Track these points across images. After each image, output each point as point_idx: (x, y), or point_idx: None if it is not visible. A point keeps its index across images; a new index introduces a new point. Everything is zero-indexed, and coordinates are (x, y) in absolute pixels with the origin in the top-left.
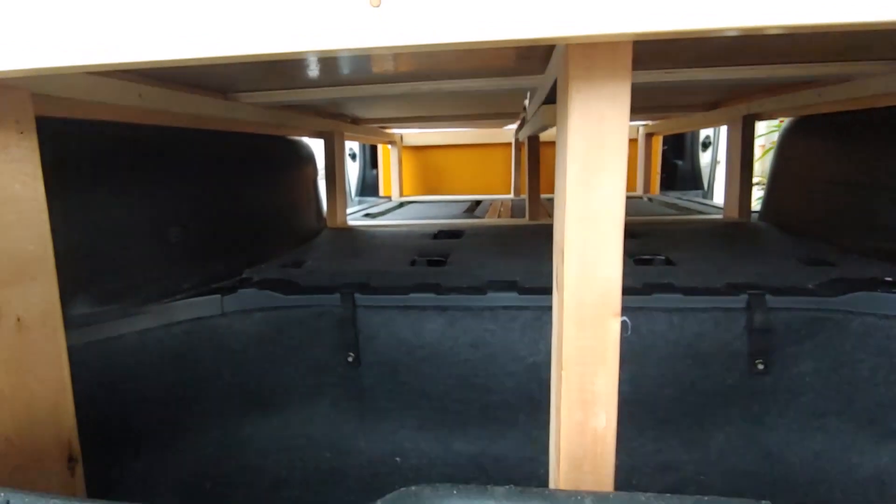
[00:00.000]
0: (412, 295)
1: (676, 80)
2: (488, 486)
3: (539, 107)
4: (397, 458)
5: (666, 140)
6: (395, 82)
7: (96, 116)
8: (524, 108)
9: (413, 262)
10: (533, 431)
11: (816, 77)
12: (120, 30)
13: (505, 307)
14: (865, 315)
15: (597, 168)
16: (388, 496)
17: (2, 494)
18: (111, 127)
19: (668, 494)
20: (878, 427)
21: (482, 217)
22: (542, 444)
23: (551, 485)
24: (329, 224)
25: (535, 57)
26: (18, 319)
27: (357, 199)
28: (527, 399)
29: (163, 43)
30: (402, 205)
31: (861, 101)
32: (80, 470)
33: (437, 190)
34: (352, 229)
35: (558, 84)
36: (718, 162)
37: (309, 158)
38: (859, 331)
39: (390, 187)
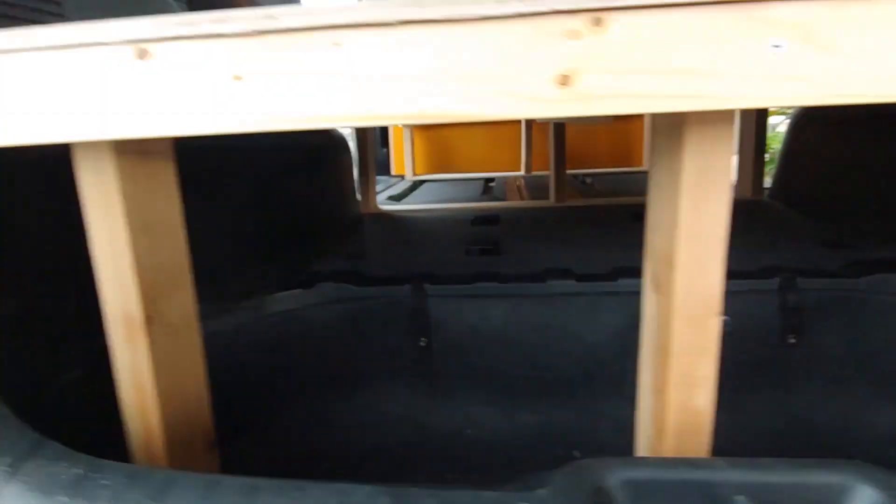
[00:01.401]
0: (477, 284)
1: None
2: (643, 457)
3: None
4: (469, 431)
5: None
6: None
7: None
8: None
9: (467, 252)
10: (589, 403)
11: None
12: None
13: (562, 294)
14: (883, 295)
15: (707, 193)
16: (564, 467)
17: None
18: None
19: (782, 458)
20: (893, 390)
21: (502, 197)
22: (598, 413)
23: (646, 452)
24: (363, 209)
25: None
26: (171, 325)
27: None
28: (583, 375)
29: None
30: (417, 184)
31: None
32: (216, 454)
33: (448, 167)
34: (389, 216)
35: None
36: None
37: (345, 145)
38: (878, 309)
39: (402, 166)
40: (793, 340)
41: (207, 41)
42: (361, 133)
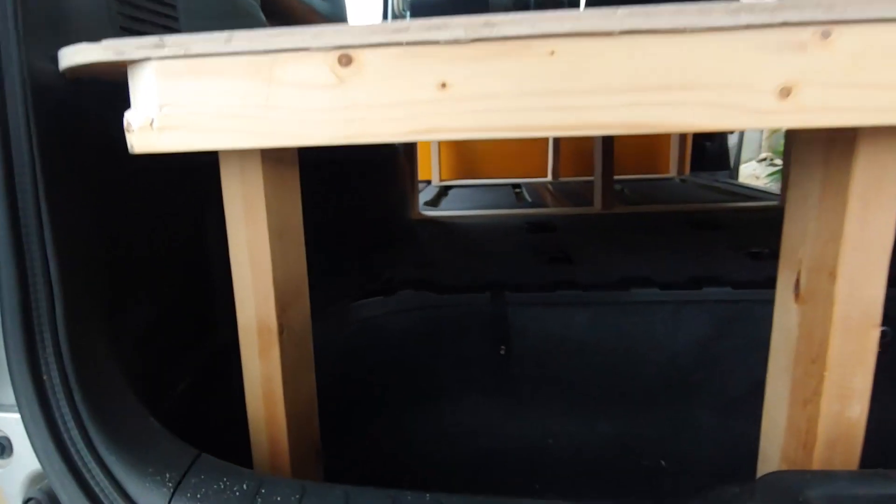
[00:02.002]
0: (558, 292)
1: None
2: (836, 472)
3: None
4: (549, 440)
5: None
6: None
7: None
8: None
9: (537, 258)
10: (670, 413)
11: None
12: None
13: (646, 302)
14: None
15: (876, 203)
16: (763, 477)
17: (299, 487)
18: None
19: None
20: None
21: (539, 203)
22: (679, 423)
23: (784, 465)
24: (411, 215)
25: None
26: (296, 334)
27: None
28: (664, 385)
29: None
30: (446, 190)
31: None
32: (322, 463)
33: (473, 173)
34: (437, 221)
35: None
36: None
37: (398, 148)
38: None
39: (429, 171)
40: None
41: (416, 48)
42: None
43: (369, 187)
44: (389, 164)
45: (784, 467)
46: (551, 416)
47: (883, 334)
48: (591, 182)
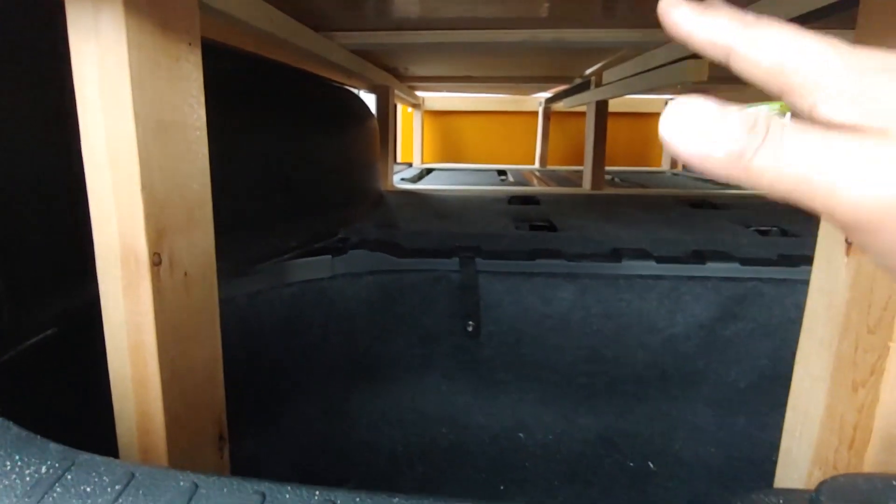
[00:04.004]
0: (539, 261)
1: None
2: None
3: (668, 64)
4: (521, 434)
5: None
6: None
7: (223, 40)
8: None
9: (516, 227)
10: (663, 406)
11: None
12: None
13: (641, 276)
14: None
15: None
16: (827, 480)
17: (189, 477)
18: (234, 56)
19: None
20: None
21: (524, 184)
22: (674, 418)
23: (825, 465)
24: (382, 187)
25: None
26: (186, 274)
27: None
28: (659, 372)
29: None
30: (426, 172)
31: None
32: (227, 451)
33: (457, 157)
34: (412, 192)
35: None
36: None
37: (372, 114)
38: None
39: (410, 153)
40: None
41: None
42: (384, 107)
43: (336, 145)
44: (358, 120)
45: (818, 473)
46: (525, 406)
47: None
48: (580, 171)
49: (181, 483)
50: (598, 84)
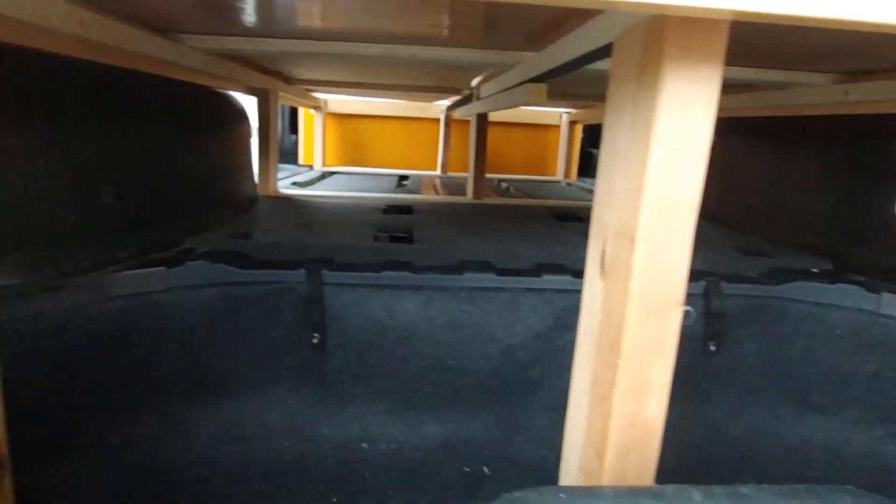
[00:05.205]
0: (385, 273)
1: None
2: (595, 487)
3: (517, 85)
4: (364, 444)
5: (584, 129)
6: (347, 41)
7: (30, 43)
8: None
9: (375, 238)
10: (503, 412)
11: (755, 81)
12: None
13: (482, 288)
14: (800, 303)
15: (681, 155)
16: (504, 496)
17: None
18: (39, 58)
19: (765, 485)
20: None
21: (417, 192)
22: (513, 424)
23: (579, 472)
24: (260, 191)
25: (500, 29)
26: None
27: None
28: (500, 381)
29: None
30: (326, 175)
31: (793, 108)
32: (8, 480)
33: (360, 161)
34: (290, 199)
35: (633, 62)
36: None
37: (244, 116)
38: (795, 316)
39: (311, 155)
40: (713, 348)
41: None
42: (264, 110)
43: (188, 149)
44: (224, 128)
45: (582, 479)
46: (371, 417)
47: (686, 315)
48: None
49: None
50: (478, 97)
